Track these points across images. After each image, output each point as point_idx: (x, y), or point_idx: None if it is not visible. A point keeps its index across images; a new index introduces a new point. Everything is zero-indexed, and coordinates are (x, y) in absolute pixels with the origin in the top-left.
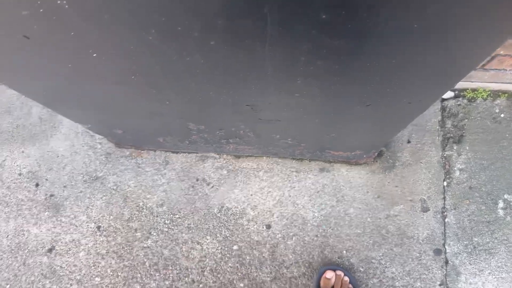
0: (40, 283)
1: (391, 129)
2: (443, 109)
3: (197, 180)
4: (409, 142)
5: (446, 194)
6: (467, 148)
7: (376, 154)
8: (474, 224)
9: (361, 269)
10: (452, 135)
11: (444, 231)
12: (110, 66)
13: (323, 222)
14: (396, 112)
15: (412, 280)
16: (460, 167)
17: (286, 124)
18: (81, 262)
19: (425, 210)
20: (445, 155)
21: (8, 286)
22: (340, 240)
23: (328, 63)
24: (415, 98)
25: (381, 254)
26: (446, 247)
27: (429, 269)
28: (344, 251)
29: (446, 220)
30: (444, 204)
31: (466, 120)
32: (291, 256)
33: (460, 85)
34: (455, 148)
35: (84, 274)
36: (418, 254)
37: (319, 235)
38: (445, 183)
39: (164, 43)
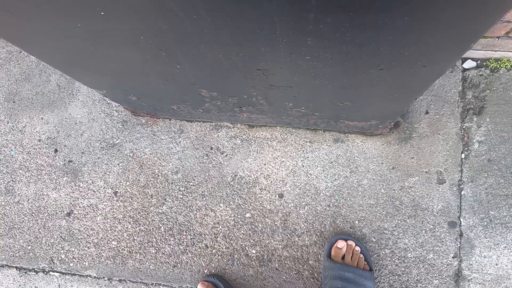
0: (60, 245)
1: (407, 97)
2: (464, 79)
3: (211, 148)
4: (427, 113)
5: (464, 167)
6: (488, 120)
7: (392, 124)
8: (492, 198)
9: (373, 239)
10: (472, 106)
11: (460, 204)
12: (118, 25)
13: (336, 192)
14: (411, 77)
15: (425, 251)
16: (480, 139)
17: (298, 91)
18: (99, 226)
19: (441, 182)
20: (464, 126)
21: (29, 247)
22: (353, 211)
23: (337, 21)
24: (430, 61)
25: (394, 225)
26: (461, 219)
27: (443, 241)
28: (357, 221)
29: (462, 192)
30: (461, 176)
31: (488, 91)
32: (303, 225)
33: (483, 54)
34: (475, 119)
35: (101, 238)
36: (432, 226)
37: (331, 205)
38: (463, 155)
39: None
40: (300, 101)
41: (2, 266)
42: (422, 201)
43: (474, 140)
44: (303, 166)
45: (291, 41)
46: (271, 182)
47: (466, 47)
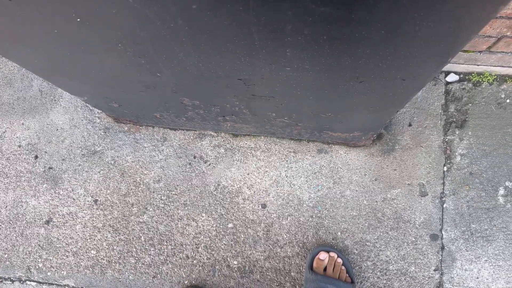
0: (37, 253)
1: (388, 109)
2: (446, 92)
3: (195, 157)
4: (410, 125)
5: (446, 179)
6: (470, 133)
7: (375, 136)
8: (473, 211)
9: (355, 251)
10: (455, 119)
11: (442, 216)
12: (95, 32)
13: (318, 203)
14: (391, 90)
15: (407, 264)
16: (462, 152)
17: (281, 101)
18: (78, 234)
19: (423, 194)
20: (446, 139)
21: (6, 255)
22: (335, 222)
23: (315, 32)
24: (409, 74)
25: (376, 237)
26: (443, 232)
27: (425, 254)
28: (339, 233)
29: (444, 205)
30: (443, 189)
31: (470, 104)
32: (285, 236)
33: (465, 68)
34: (457, 133)
35: (80, 247)
36: (414, 239)
37: (314, 216)
38: (445, 168)
39: (146, 6)
40: (282, 111)
41: None
42: (404, 213)
43: (456, 153)
44: (286, 177)
45: (270, 51)
46: (254, 192)
47: (444, 62)
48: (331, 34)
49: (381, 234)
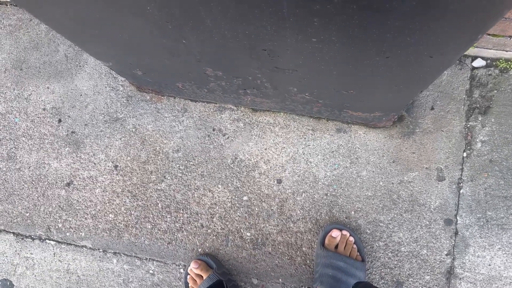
0: (57, 214)
1: (412, 89)
2: (472, 78)
3: (214, 130)
4: (432, 109)
5: (465, 165)
6: (493, 120)
7: (396, 118)
8: (490, 198)
9: (367, 231)
10: (478, 105)
11: (458, 202)
12: None
13: (334, 182)
14: (417, 67)
15: (419, 247)
16: (483, 139)
17: (303, 75)
18: (97, 198)
19: (440, 179)
20: (468, 125)
21: (27, 214)
22: (350, 201)
23: (345, 1)
24: (437, 51)
25: (389, 218)
26: (458, 218)
27: (438, 238)
28: (353, 212)
29: (461, 191)
30: (461, 175)
31: (495, 91)
32: (299, 212)
33: (493, 53)
34: (480, 119)
35: (99, 210)
36: (427, 222)
37: (329, 194)
38: (464, 154)
39: None
40: (304, 86)
41: (0, 231)
42: (420, 196)
43: (477, 140)
44: (303, 154)
45: (297, 20)
46: (270, 167)
47: (473, 39)
48: (361, 4)
49: (395, 215)
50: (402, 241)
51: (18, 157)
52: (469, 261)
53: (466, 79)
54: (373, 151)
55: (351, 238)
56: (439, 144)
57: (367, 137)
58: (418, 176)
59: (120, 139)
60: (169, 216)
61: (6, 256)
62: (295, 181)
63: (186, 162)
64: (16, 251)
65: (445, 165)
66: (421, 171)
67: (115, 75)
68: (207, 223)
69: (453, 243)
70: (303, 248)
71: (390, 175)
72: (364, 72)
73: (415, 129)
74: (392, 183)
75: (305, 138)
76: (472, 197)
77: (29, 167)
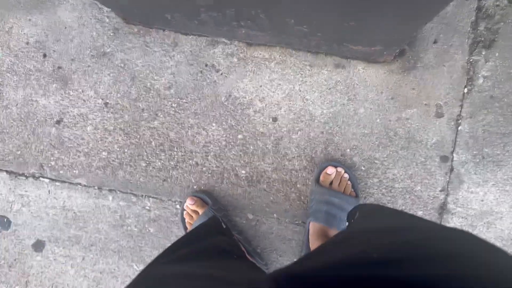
0: (49, 152)
1: (415, 20)
2: (478, 9)
3: (206, 65)
4: (435, 42)
5: (465, 102)
6: (497, 54)
7: (398, 52)
8: (488, 135)
9: (362, 168)
10: (483, 38)
11: (455, 139)
12: None
13: (330, 120)
14: None
15: (413, 183)
16: (485, 74)
17: (302, 5)
18: (89, 136)
19: (439, 116)
20: (471, 60)
21: (19, 152)
22: (346, 139)
23: None
24: None
25: (385, 155)
26: (454, 155)
27: (432, 174)
28: (348, 150)
29: (459, 128)
30: (460, 111)
31: (502, 23)
32: (294, 150)
33: None
34: (483, 53)
35: (92, 148)
36: (423, 159)
37: (325, 132)
38: (465, 90)
39: None
40: (302, 17)
41: None
42: (417, 133)
43: (480, 75)
44: (300, 91)
45: None
46: (265, 105)
47: None
48: None
49: (391, 153)
50: (396, 177)
51: (4, 94)
52: (462, 197)
53: (473, 10)
54: (371, 87)
55: (346, 175)
56: (440, 79)
57: (366, 73)
58: (417, 112)
59: (109, 74)
60: (163, 154)
61: (1, 194)
62: (290, 119)
63: (178, 99)
64: (10, 189)
65: (444, 102)
66: (419, 108)
67: (99, 6)
68: (202, 161)
69: (447, 179)
70: (298, 185)
71: (388, 112)
72: (366, 1)
73: (416, 64)
74: (390, 120)
75: (301, 74)
76: (470, 134)
77: (17, 105)
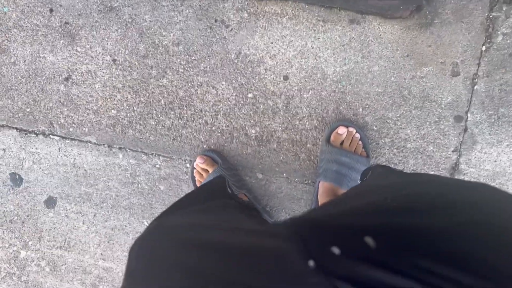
0: (58, 109)
1: None
2: None
3: (216, 21)
4: None
5: (482, 60)
6: None
7: (415, 7)
8: (504, 95)
9: (374, 127)
10: None
11: (471, 98)
12: None
13: (343, 78)
14: None
15: (425, 143)
16: (505, 31)
17: None
18: (98, 93)
19: (455, 74)
20: (491, 16)
21: (28, 110)
22: (358, 98)
23: None
24: None
25: (398, 115)
26: (469, 115)
27: (446, 134)
28: (361, 109)
29: (475, 87)
30: (477, 70)
31: None
32: (305, 109)
33: None
34: (504, 9)
35: (101, 106)
36: (437, 119)
37: (337, 91)
38: (483, 48)
39: None
40: None
41: (2, 126)
42: (431, 92)
43: (499, 32)
44: (312, 48)
45: None
46: (277, 62)
47: None
48: None
49: (404, 112)
50: (409, 137)
51: (11, 50)
52: (475, 157)
53: None
54: (387, 44)
55: (357, 135)
56: (458, 36)
57: (381, 29)
58: (432, 71)
59: (117, 30)
60: (172, 113)
61: (12, 151)
62: (302, 77)
63: (187, 56)
64: (21, 146)
65: (461, 60)
66: (435, 66)
67: None
68: (211, 120)
69: (461, 140)
70: (308, 145)
71: (402, 70)
72: None
73: (433, 20)
74: (404, 79)
75: (314, 31)
76: (486, 93)
77: (25, 61)
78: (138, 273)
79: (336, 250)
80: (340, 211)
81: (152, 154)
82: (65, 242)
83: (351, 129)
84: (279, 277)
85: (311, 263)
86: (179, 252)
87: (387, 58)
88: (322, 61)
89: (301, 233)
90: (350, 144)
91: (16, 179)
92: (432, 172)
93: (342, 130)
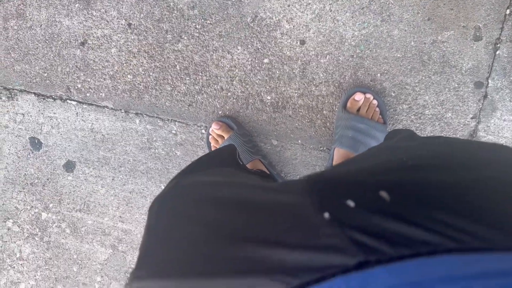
0: (75, 74)
1: None
2: None
3: None
4: None
5: (506, 24)
6: None
7: None
8: None
9: (392, 93)
10: None
11: (492, 64)
12: None
13: (361, 42)
14: None
15: (444, 110)
16: None
17: None
18: (113, 58)
19: (477, 39)
20: None
21: (45, 74)
22: (376, 63)
23: None
24: None
25: (417, 80)
26: (489, 81)
27: (465, 101)
28: (379, 75)
29: (497, 52)
30: (500, 34)
31: None
32: (321, 75)
33: None
34: None
35: (117, 71)
36: (456, 85)
37: (355, 55)
38: (507, 11)
39: None
40: None
41: (21, 91)
42: (452, 57)
43: None
44: (330, 11)
45: None
46: (293, 26)
47: None
48: None
49: (423, 78)
50: (427, 104)
51: (27, 15)
52: (494, 124)
53: None
54: (407, 7)
55: (374, 101)
56: None
57: None
58: (453, 35)
59: None
60: (188, 78)
61: (31, 116)
62: (319, 42)
63: (202, 20)
64: (39, 110)
65: (484, 24)
66: (457, 30)
67: None
68: (226, 86)
69: (480, 106)
70: (324, 111)
71: (423, 34)
72: None
73: None
74: (424, 43)
75: None
76: (508, 59)
77: (41, 26)
78: (159, 229)
79: (351, 203)
80: (355, 169)
81: (168, 120)
82: (84, 204)
83: (368, 95)
84: (295, 229)
85: (326, 215)
86: (198, 207)
87: (408, 21)
88: (340, 24)
89: (316, 188)
90: (367, 110)
91: (36, 143)
92: None
93: (359, 96)
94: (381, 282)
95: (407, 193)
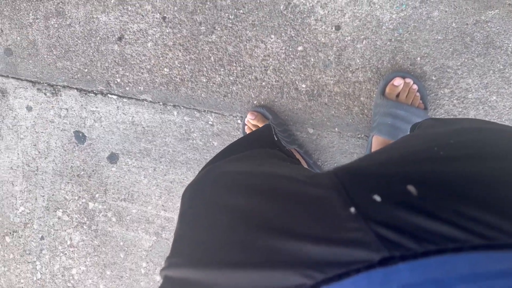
0: (114, 69)
1: None
2: None
3: None
4: None
5: None
6: None
7: None
8: None
9: (433, 77)
10: None
11: None
12: None
13: (400, 26)
14: None
15: (488, 93)
16: None
17: None
18: (150, 52)
19: None
20: None
21: (86, 70)
22: (416, 46)
23: None
24: None
25: (459, 63)
26: None
27: (511, 83)
28: (419, 58)
29: None
30: None
31: None
32: (358, 61)
33: None
34: None
35: (154, 64)
36: (502, 67)
37: (393, 39)
38: None
39: None
40: None
41: (64, 87)
42: (497, 38)
43: None
44: None
45: None
46: (328, 12)
47: None
48: None
49: (466, 60)
50: (470, 87)
51: (66, 13)
52: None
53: None
54: None
55: (415, 86)
56: None
57: None
58: (498, 14)
59: None
60: (222, 69)
61: (74, 110)
62: (355, 26)
63: (235, 10)
64: (82, 105)
65: None
66: (502, 9)
67: None
68: (261, 75)
69: None
70: (361, 98)
71: (465, 14)
72: None
73: None
74: (467, 24)
75: None
76: None
77: (79, 23)
78: (189, 215)
79: (377, 198)
80: (384, 160)
81: (204, 111)
82: (128, 194)
83: (408, 80)
84: (320, 222)
85: (352, 209)
86: (227, 195)
87: (448, 2)
88: (377, 7)
89: (343, 182)
90: (406, 96)
91: (80, 137)
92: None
93: (398, 81)
94: (403, 279)
95: (435, 187)
